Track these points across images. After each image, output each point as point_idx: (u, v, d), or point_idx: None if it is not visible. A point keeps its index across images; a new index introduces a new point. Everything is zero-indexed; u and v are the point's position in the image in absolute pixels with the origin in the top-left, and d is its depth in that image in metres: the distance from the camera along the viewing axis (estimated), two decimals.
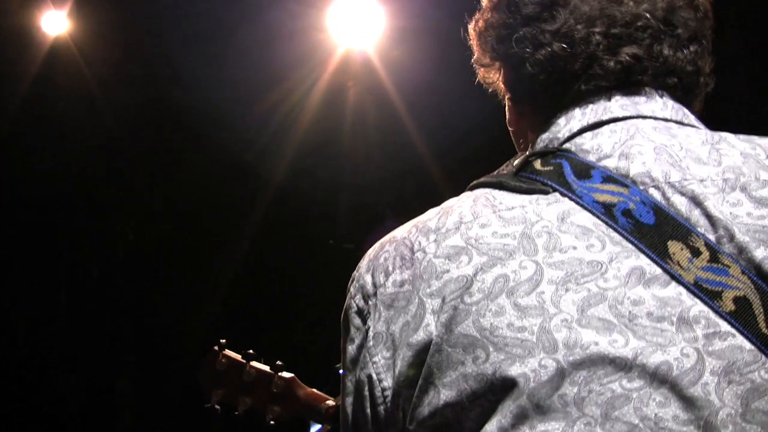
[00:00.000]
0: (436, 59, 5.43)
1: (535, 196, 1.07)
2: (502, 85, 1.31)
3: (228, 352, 2.07)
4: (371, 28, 5.44)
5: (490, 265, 1.01)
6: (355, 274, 1.15)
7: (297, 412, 1.99)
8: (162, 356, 6.74)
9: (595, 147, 1.12)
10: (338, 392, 1.91)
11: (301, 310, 6.22)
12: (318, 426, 2.05)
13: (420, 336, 1.02)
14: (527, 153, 1.16)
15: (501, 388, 0.96)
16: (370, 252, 1.15)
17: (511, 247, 1.02)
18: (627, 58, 1.16)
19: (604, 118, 1.14)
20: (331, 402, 1.95)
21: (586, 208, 1.04)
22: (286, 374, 2.03)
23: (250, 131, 6.11)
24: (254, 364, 2.05)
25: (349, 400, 1.11)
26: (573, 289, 0.98)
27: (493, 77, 1.34)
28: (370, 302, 1.09)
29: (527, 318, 0.97)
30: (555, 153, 1.13)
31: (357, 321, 1.11)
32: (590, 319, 0.96)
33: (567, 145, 1.15)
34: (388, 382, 1.05)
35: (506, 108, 1.33)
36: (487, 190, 1.12)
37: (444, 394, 0.99)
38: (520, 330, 0.97)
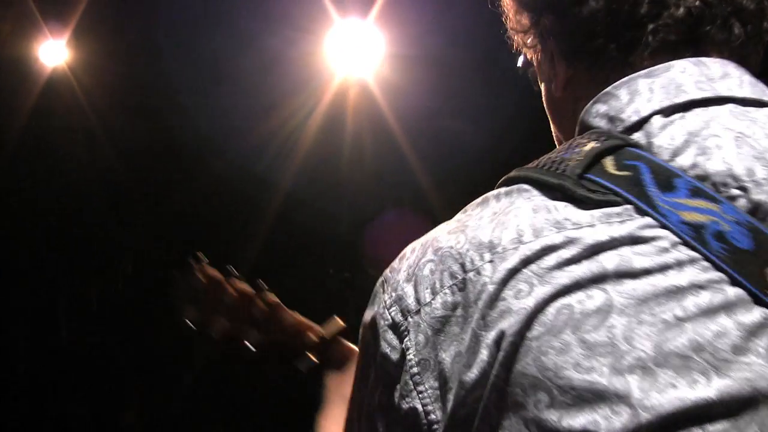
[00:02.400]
0: (435, 87, 5.45)
1: (606, 211, 0.92)
2: (541, 49, 1.18)
3: (206, 267, 1.88)
4: (370, 55, 5.47)
5: (552, 294, 0.88)
6: (388, 278, 1.00)
7: (279, 339, 1.80)
8: (166, 387, 6.74)
9: (667, 140, 0.97)
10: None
11: None
12: None
13: (474, 373, 0.89)
14: (595, 146, 0.98)
15: None
16: (408, 255, 1.00)
17: (576, 275, 0.89)
18: (696, 2, 1.04)
19: (679, 101, 1.00)
20: (320, 330, 1.77)
21: (671, 230, 0.90)
22: (269, 296, 1.84)
23: (248, 160, 6.12)
24: (235, 282, 1.85)
25: (382, 423, 0.97)
26: (648, 322, 0.85)
27: (531, 42, 1.19)
28: (410, 319, 0.95)
29: (596, 357, 0.85)
30: (628, 149, 0.97)
31: (390, 336, 0.96)
32: (667, 357, 0.84)
33: (637, 136, 0.99)
34: (437, 415, 0.92)
35: (545, 76, 1.19)
36: (545, 199, 0.95)
37: None
38: (588, 371, 0.85)
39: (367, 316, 1.01)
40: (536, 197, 0.96)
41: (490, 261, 0.92)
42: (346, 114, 5.87)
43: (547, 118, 1.25)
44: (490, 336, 0.88)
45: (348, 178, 6.31)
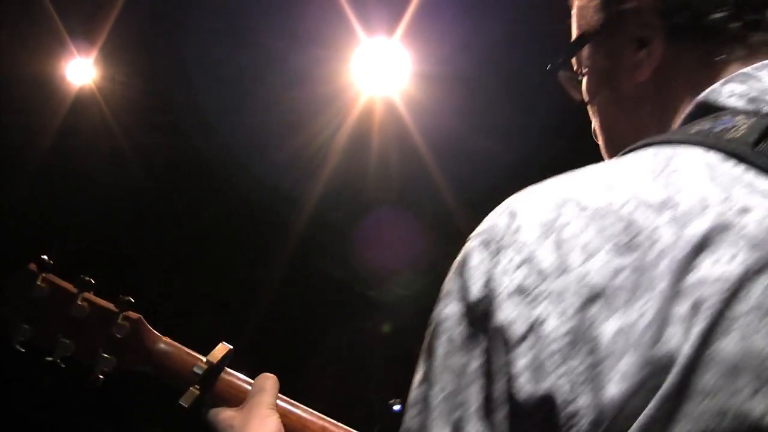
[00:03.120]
0: (462, 106, 5.44)
1: None
2: (615, 35, 1.09)
3: (52, 276, 1.54)
4: (396, 73, 5.49)
5: (760, 266, 0.76)
6: (501, 236, 0.84)
7: (142, 368, 1.50)
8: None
9: None
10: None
11: (324, 358, 6.20)
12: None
13: (660, 350, 0.74)
14: (762, 122, 0.88)
15: None
16: (528, 210, 0.84)
17: None
18: None
19: None
20: (202, 361, 1.47)
21: None
22: (133, 315, 1.52)
23: (273, 178, 6.12)
24: (89, 296, 1.53)
25: (499, 414, 0.78)
26: None
27: (598, 27, 1.11)
28: (548, 284, 0.78)
29: None
30: None
31: (517, 302, 0.79)
32: None
33: None
34: (582, 402, 0.74)
35: (618, 64, 1.10)
36: (719, 160, 0.85)
37: (682, 428, 0.74)
38: None
39: (465, 289, 0.84)
40: (708, 157, 0.86)
41: (671, 220, 0.79)
42: (372, 133, 5.87)
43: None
44: (681, 309, 0.75)
45: (373, 197, 6.31)
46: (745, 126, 0.87)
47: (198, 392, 1.44)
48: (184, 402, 1.44)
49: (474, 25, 5.13)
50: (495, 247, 0.83)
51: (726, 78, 0.95)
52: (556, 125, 5.19)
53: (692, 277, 0.76)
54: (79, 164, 6.49)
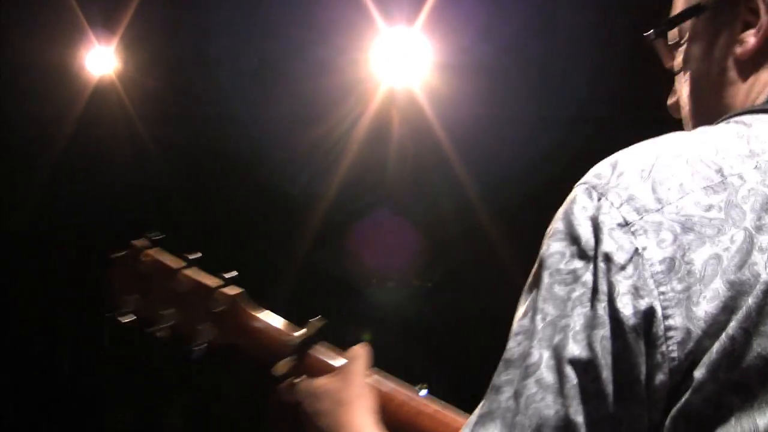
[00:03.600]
0: (483, 96, 5.44)
1: None
2: (723, 6, 1.16)
3: (156, 251, 1.61)
4: (416, 63, 5.51)
5: None
6: (604, 182, 0.94)
7: (240, 341, 1.55)
8: (209, 394, 6.80)
9: None
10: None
11: (347, 340, 6.25)
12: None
13: (745, 275, 0.86)
14: None
15: None
16: (628, 160, 0.96)
17: None
18: None
19: None
20: (295, 334, 1.51)
21: None
22: (232, 290, 1.56)
23: (295, 168, 6.14)
24: (190, 272, 1.58)
25: (600, 333, 0.88)
26: None
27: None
28: (647, 217, 0.89)
29: None
30: None
31: (620, 236, 0.90)
32: None
33: None
34: (677, 320, 0.86)
35: (724, 33, 1.17)
36: None
37: (758, 344, 0.84)
38: None
39: (570, 228, 0.94)
40: None
41: (756, 167, 0.92)
42: (392, 122, 5.89)
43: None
44: (765, 240, 0.87)
45: (393, 186, 6.33)
46: None
47: (291, 363, 1.48)
48: (278, 371, 1.48)
49: (496, 14, 5.14)
50: (599, 192, 0.93)
51: None
52: (578, 116, 5.20)
53: None
54: (100, 154, 6.48)
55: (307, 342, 1.51)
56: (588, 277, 0.90)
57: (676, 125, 1.16)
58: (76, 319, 7.79)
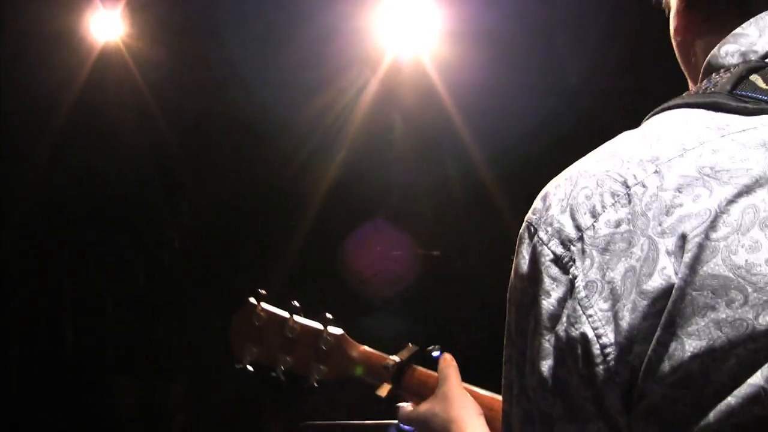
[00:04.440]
0: (490, 62, 5.50)
1: (765, 118, 0.98)
2: None
3: (266, 305, 1.88)
4: (424, 30, 5.56)
5: (734, 195, 0.92)
6: (537, 217, 1.02)
7: (347, 373, 1.82)
8: (213, 362, 6.84)
9: None
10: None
11: (352, 314, 6.33)
12: (409, 404, 1.93)
13: (656, 282, 0.91)
14: (741, 68, 1.04)
15: (766, 333, 0.88)
16: (554, 191, 1.02)
17: (755, 174, 0.92)
18: None
19: None
20: (392, 359, 1.78)
21: None
22: (335, 329, 1.84)
23: (302, 133, 6.21)
24: (298, 318, 1.84)
25: (548, 363, 0.97)
26: None
27: None
28: (573, 248, 0.96)
29: None
30: None
31: (554, 271, 0.97)
32: None
33: None
34: (609, 338, 0.92)
35: (672, 16, 1.21)
36: (700, 111, 1.01)
37: (690, 345, 0.89)
38: None
39: (519, 266, 1.02)
40: (689, 113, 1.02)
41: (655, 172, 0.95)
42: (399, 89, 5.93)
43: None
44: (671, 241, 0.91)
45: (400, 152, 6.40)
46: (726, 77, 1.03)
47: (390, 385, 1.76)
48: (380, 393, 1.76)
49: None
50: (534, 228, 1.01)
51: (723, 41, 1.09)
52: (584, 85, 5.28)
53: (677, 215, 0.92)
54: (104, 120, 6.52)
55: (403, 366, 1.77)
56: (535, 312, 0.98)
57: (682, 92, 1.19)
58: (80, 287, 7.89)
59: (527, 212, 1.04)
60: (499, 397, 1.66)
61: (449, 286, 6.88)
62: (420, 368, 1.77)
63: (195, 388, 6.58)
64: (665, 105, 1.06)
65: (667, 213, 0.92)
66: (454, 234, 7.12)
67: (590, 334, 0.93)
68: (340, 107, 6.07)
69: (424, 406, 1.68)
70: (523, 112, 5.63)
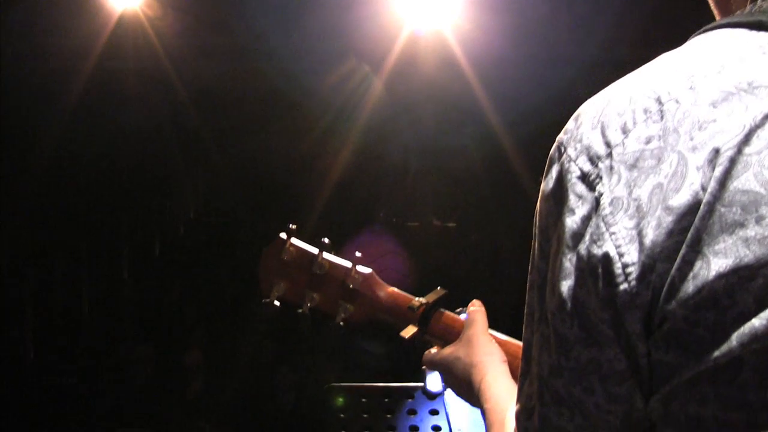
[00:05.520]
0: (509, 33, 5.56)
1: None
2: None
3: (296, 241, 1.87)
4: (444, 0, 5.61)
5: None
6: (568, 136, 1.01)
7: (374, 313, 1.81)
8: (228, 329, 6.94)
9: None
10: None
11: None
12: (434, 373, 1.81)
13: (683, 197, 0.89)
14: None
15: None
16: (587, 110, 1.01)
17: None
18: None
19: None
20: (418, 301, 1.77)
21: None
22: (364, 269, 1.83)
23: (323, 101, 6.30)
24: (327, 255, 1.84)
25: (567, 283, 0.96)
26: None
27: None
28: (601, 164, 0.95)
29: None
30: None
31: (580, 188, 0.96)
32: None
33: None
34: (632, 256, 0.91)
35: None
36: (742, 30, 1.00)
37: (716, 263, 0.87)
38: None
39: (546, 186, 1.02)
40: (730, 32, 1.00)
41: (690, 88, 0.94)
42: (421, 57, 5.97)
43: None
44: (702, 156, 0.90)
45: (422, 116, 6.46)
46: None
47: (416, 328, 1.75)
48: (404, 335, 1.74)
49: None
50: (563, 147, 1.01)
51: None
52: (604, 55, 5.35)
53: (710, 131, 0.91)
54: (123, 88, 6.59)
55: (430, 308, 1.76)
56: (558, 232, 0.98)
57: None
58: (96, 255, 8.00)
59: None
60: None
61: (465, 258, 6.95)
62: (447, 312, 1.77)
63: (211, 356, 6.64)
64: (707, 26, 1.05)
65: (700, 128, 0.91)
66: (471, 206, 7.20)
67: (612, 252, 0.92)
68: (361, 76, 6.13)
69: (448, 350, 1.69)
70: (541, 81, 5.69)
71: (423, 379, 1.88)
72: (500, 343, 1.67)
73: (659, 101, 0.95)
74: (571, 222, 0.96)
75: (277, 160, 6.83)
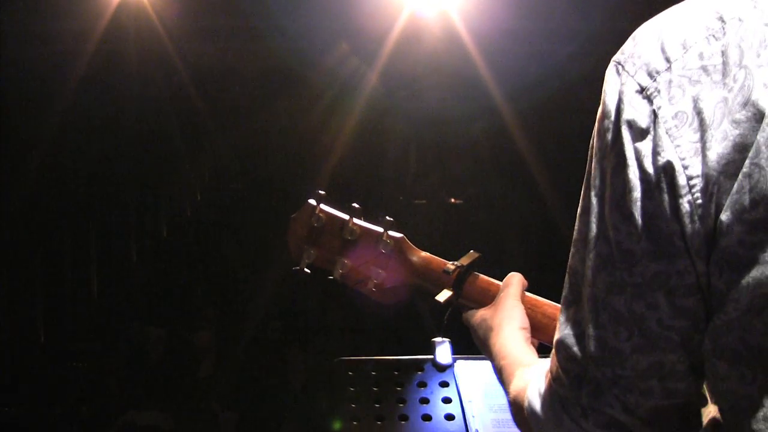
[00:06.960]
0: (513, 7, 5.60)
1: None
2: None
3: (326, 206, 1.82)
4: None
5: None
6: (626, 55, 1.03)
7: (407, 278, 1.77)
8: (239, 308, 6.98)
9: None
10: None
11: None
12: (445, 341, 1.83)
13: (749, 111, 0.90)
14: None
15: None
16: (646, 29, 1.03)
17: None
18: None
19: None
20: (453, 265, 1.72)
21: None
22: (396, 233, 1.79)
23: (325, 79, 6.35)
24: (358, 221, 1.79)
25: (633, 196, 0.97)
26: None
27: None
28: (659, 78, 0.97)
29: None
30: None
31: (638, 101, 0.98)
32: None
33: None
34: (696, 168, 0.92)
35: None
36: None
37: None
38: None
39: (603, 105, 1.03)
40: None
41: (755, 7, 0.96)
42: (425, 31, 5.98)
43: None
44: (766, 72, 0.91)
45: (426, 85, 6.50)
46: None
47: (451, 292, 1.70)
48: (439, 299, 1.69)
49: None
50: (621, 65, 1.02)
51: None
52: (606, 28, 5.37)
53: None
54: (124, 69, 6.58)
55: (464, 271, 1.72)
56: (618, 146, 0.99)
57: None
58: (103, 236, 8.05)
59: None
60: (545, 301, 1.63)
61: (471, 234, 6.99)
62: (482, 276, 1.73)
63: (221, 334, 6.68)
64: None
65: (765, 45, 0.93)
66: (477, 183, 7.23)
67: (677, 163, 0.93)
68: (365, 52, 6.14)
69: (481, 311, 1.66)
70: (544, 54, 5.71)
71: (433, 352, 1.88)
72: (538, 304, 1.65)
73: (722, 19, 0.97)
74: (632, 136, 0.98)
75: (282, 139, 6.86)
